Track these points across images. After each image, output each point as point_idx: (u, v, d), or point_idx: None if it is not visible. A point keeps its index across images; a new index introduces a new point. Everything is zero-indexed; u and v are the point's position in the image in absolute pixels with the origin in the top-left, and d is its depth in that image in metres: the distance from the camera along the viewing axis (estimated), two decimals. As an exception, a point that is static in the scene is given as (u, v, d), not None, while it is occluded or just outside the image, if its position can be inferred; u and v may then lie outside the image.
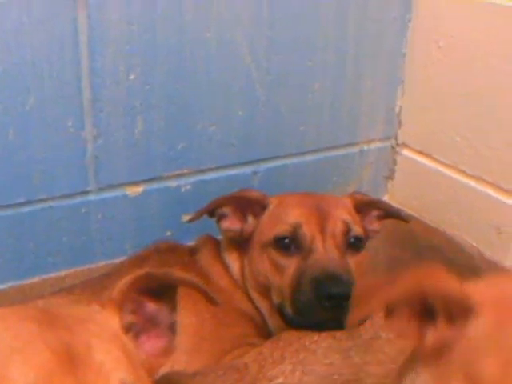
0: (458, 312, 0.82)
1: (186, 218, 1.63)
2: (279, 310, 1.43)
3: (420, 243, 1.89)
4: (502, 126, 1.64)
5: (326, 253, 1.38)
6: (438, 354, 0.86)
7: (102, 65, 1.44)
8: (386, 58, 1.81)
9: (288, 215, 1.43)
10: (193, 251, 1.58)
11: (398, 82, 1.85)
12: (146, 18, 1.45)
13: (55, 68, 1.39)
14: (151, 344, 0.94)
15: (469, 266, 1.75)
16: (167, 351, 0.95)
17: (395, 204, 1.95)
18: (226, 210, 1.48)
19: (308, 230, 1.40)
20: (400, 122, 1.90)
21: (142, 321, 0.93)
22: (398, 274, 0.92)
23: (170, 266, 1.55)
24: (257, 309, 1.49)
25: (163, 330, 0.96)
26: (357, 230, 1.44)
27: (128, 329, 0.90)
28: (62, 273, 1.58)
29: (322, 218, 1.42)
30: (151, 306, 0.95)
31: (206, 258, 1.56)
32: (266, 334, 1.47)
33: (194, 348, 1.39)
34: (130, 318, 0.91)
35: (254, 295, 1.49)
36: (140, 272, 0.92)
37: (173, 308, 0.97)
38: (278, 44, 1.62)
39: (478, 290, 0.84)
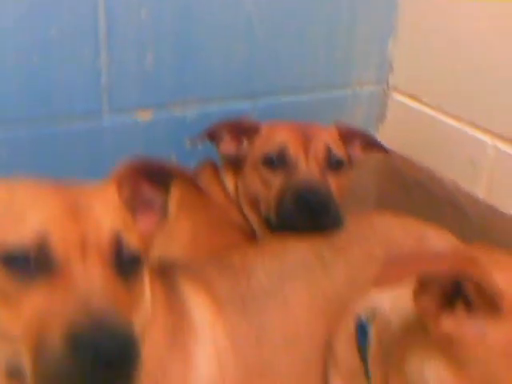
0: (484, 306, 0.86)
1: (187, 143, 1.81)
2: (266, 220, 1.62)
3: (406, 179, 2.06)
4: (481, 70, 1.79)
5: (307, 170, 1.56)
6: (451, 342, 0.89)
7: (116, 2, 1.62)
8: (380, 5, 1.97)
9: (276, 137, 1.62)
10: (195, 173, 1.78)
11: (390, 29, 2.01)
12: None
13: (74, 2, 1.58)
14: (145, 218, 1.11)
15: (449, 199, 1.92)
16: (158, 225, 1.14)
17: (386, 144, 2.12)
18: (223, 134, 1.67)
19: (293, 150, 1.58)
20: (391, 67, 2.07)
21: (138, 199, 1.11)
22: (443, 252, 1.07)
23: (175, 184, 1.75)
24: (247, 221, 1.69)
25: (156, 209, 1.14)
26: (338, 153, 1.62)
27: (126, 203, 1.07)
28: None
29: (306, 141, 1.60)
30: (147, 189, 1.13)
31: (206, 179, 1.76)
32: (254, 243, 1.67)
33: (190, 254, 1.59)
34: (128, 195, 1.09)
35: (246, 209, 1.68)
36: (135, 157, 1.10)
37: (166, 193, 1.15)
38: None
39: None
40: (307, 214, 1.49)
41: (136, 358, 0.84)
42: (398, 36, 2.03)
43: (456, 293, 0.89)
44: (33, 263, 0.88)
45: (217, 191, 1.72)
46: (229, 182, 1.72)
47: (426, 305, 0.90)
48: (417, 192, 2.03)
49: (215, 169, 1.76)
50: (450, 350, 0.89)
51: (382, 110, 2.11)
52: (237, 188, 1.70)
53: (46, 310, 0.85)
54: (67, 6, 1.58)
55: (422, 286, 0.90)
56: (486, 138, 1.80)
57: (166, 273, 1.27)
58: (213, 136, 1.68)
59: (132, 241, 0.99)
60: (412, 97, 2.03)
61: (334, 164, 1.61)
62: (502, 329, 0.85)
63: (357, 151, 1.72)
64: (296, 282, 1.37)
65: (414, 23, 1.98)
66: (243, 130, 1.67)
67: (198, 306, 1.26)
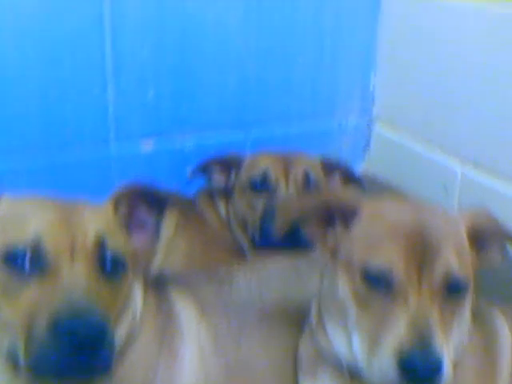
0: (351, 219, 1.13)
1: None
2: (252, 239, 1.81)
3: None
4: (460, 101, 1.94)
5: (287, 192, 1.77)
6: (335, 253, 1.14)
7: (122, 43, 1.83)
8: (360, 39, 2.18)
9: (259, 163, 1.84)
10: (193, 199, 1.99)
11: (371, 61, 2.21)
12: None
13: (84, 42, 1.79)
14: (139, 236, 1.26)
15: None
16: (151, 243, 1.29)
17: (371, 172, 2.29)
18: (213, 168, 1.90)
19: (274, 174, 1.79)
20: (373, 100, 2.25)
21: (134, 218, 1.26)
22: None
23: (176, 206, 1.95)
24: (237, 241, 1.89)
25: (149, 229, 1.28)
26: (315, 177, 1.82)
27: (121, 220, 1.22)
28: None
29: (287, 166, 1.80)
30: (143, 211, 1.27)
31: (202, 204, 1.96)
32: (242, 259, 1.86)
33: (186, 268, 1.77)
34: (124, 213, 1.23)
35: (236, 230, 1.88)
36: (135, 181, 1.25)
37: (160, 216, 1.29)
38: (266, 29, 2.01)
39: (365, 205, 1.12)
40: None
41: (107, 345, 1.01)
42: (378, 68, 2.21)
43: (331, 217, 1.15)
44: (29, 262, 1.04)
45: (211, 215, 1.93)
46: (222, 207, 1.93)
47: (314, 232, 1.16)
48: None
49: (210, 196, 1.96)
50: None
51: (366, 141, 2.29)
52: (228, 212, 1.91)
53: (37, 302, 1.02)
54: (79, 45, 1.80)
55: (305, 221, 1.17)
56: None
57: (158, 281, 1.42)
58: (205, 170, 1.90)
59: (117, 246, 1.14)
60: (393, 127, 2.20)
61: (311, 187, 1.80)
62: (358, 226, 1.13)
63: (336, 183, 1.91)
64: (272, 291, 1.51)
65: (392, 56, 2.17)
66: (230, 163, 1.88)
67: (185, 310, 1.39)
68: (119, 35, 1.83)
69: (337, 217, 1.17)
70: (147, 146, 1.98)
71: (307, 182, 1.79)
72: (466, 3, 1.88)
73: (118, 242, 1.16)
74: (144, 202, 1.27)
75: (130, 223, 1.25)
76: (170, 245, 1.80)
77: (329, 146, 2.23)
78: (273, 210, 1.69)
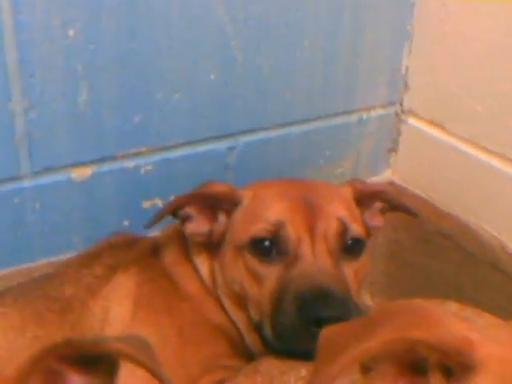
0: (458, 367, 0.64)
1: (146, 204, 1.37)
2: (257, 329, 1.15)
3: (427, 228, 1.60)
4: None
5: (315, 261, 1.09)
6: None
7: (31, 17, 1.12)
8: (391, 6, 1.49)
9: (267, 211, 1.14)
10: (156, 246, 1.30)
11: (405, 36, 1.54)
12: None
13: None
14: None
15: (487, 258, 1.48)
16: None
17: (399, 181, 1.68)
18: (189, 210, 1.19)
19: (293, 231, 1.11)
20: (406, 85, 1.60)
21: None
22: (374, 315, 0.73)
23: (127, 264, 1.27)
24: (232, 321, 1.21)
25: None
26: (356, 229, 1.14)
27: None
28: (-6, 274, 1.30)
29: (310, 215, 1.12)
30: (75, 380, 0.68)
31: (171, 257, 1.27)
32: (243, 351, 1.20)
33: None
34: None
35: (229, 305, 1.20)
36: (57, 342, 0.65)
37: (107, 382, 0.69)
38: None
39: (482, 342, 0.67)
40: (317, 330, 1.02)
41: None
42: (414, 44, 1.55)
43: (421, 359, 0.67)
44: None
45: (187, 276, 1.24)
46: (201, 264, 1.24)
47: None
48: (440, 244, 1.58)
49: (183, 243, 1.28)
50: None
51: (393, 140, 1.65)
52: (213, 273, 1.23)
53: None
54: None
55: (369, 371, 0.70)
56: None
57: None
58: (176, 215, 1.20)
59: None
60: (434, 123, 1.56)
61: (350, 246, 1.14)
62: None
63: (376, 218, 1.26)
64: None
65: (435, 27, 1.51)
66: (216, 202, 1.20)
67: None
68: (23, 4, 1.11)
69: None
70: (82, 175, 1.29)
71: (343, 238, 1.13)
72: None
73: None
74: (76, 367, 0.68)
75: None
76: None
77: (343, 149, 1.59)
78: (297, 291, 1.05)
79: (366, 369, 0.68)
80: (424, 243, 1.62)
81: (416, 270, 1.64)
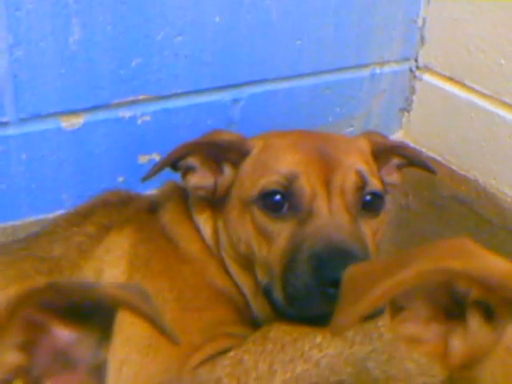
0: (502, 305, 0.58)
1: (142, 159, 1.26)
2: (266, 293, 1.05)
3: (442, 193, 1.51)
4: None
5: (331, 216, 0.99)
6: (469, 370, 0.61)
7: None
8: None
9: (279, 162, 1.03)
10: (153, 205, 1.20)
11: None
12: None
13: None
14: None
15: (507, 225, 1.38)
16: None
17: (411, 142, 1.57)
18: (192, 161, 1.09)
19: (307, 184, 1.01)
20: (423, 39, 1.48)
21: (43, 359, 0.57)
22: (410, 251, 0.64)
23: (122, 223, 1.17)
24: (237, 286, 1.11)
25: (81, 373, 0.59)
26: (375, 183, 1.04)
27: (15, 375, 0.55)
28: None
29: (326, 167, 1.02)
30: (62, 335, 0.58)
31: (170, 215, 1.17)
32: (248, 318, 1.10)
33: (151, 344, 1.02)
34: (17, 358, 0.55)
35: (233, 268, 1.10)
36: (38, 285, 0.54)
37: (101, 339, 0.60)
38: None
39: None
40: (333, 292, 0.92)
41: None
42: (433, -6, 1.44)
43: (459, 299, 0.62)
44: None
45: (187, 236, 1.14)
46: (204, 223, 1.14)
47: (420, 331, 0.64)
48: (456, 211, 1.49)
49: (183, 201, 1.17)
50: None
51: (406, 98, 1.54)
52: (216, 233, 1.12)
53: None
54: None
55: (400, 311, 0.64)
56: None
57: None
58: (177, 166, 1.09)
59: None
60: (452, 79, 1.46)
61: (369, 202, 1.04)
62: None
63: (393, 175, 1.17)
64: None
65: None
66: (223, 152, 1.09)
67: None
68: None
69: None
70: (73, 124, 1.18)
71: (361, 193, 1.03)
72: None
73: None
74: (61, 318, 0.58)
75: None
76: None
77: (354, 106, 1.48)
78: (312, 249, 0.95)
79: (395, 311, 0.62)
80: (437, 209, 1.52)
81: (428, 238, 1.54)
